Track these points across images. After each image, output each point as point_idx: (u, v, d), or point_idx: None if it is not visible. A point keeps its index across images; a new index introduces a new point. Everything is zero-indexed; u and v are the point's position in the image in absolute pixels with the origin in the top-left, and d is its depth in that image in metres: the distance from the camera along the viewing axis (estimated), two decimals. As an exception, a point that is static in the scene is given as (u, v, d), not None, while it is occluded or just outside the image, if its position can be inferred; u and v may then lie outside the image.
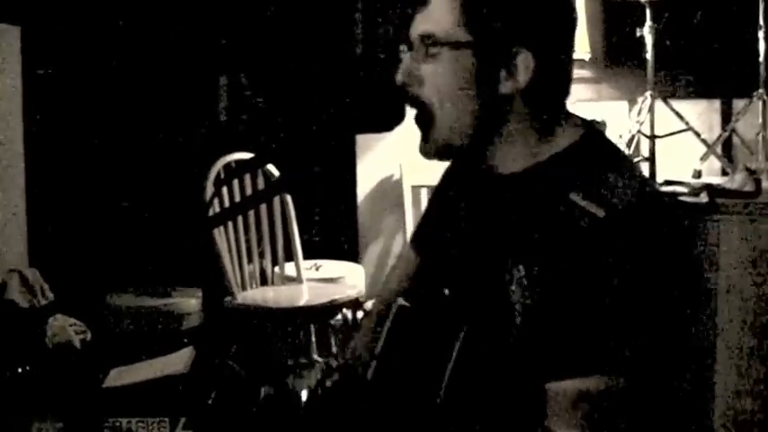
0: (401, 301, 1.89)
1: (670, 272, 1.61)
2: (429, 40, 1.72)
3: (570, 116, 1.81)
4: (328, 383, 2.03)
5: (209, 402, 1.96)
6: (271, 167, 4.59)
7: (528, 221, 1.71)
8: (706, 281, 1.68)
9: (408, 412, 1.73)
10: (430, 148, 1.81)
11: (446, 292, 1.85)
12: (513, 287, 1.67)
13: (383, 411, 1.78)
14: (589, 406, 1.56)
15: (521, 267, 1.67)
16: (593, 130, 1.80)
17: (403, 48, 1.80)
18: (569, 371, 1.58)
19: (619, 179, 1.66)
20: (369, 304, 4.78)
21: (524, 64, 1.70)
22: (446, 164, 2.13)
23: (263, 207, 4.72)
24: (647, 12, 4.75)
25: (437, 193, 2.15)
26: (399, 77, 1.77)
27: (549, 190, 1.69)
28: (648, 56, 4.80)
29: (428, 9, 1.74)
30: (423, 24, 1.74)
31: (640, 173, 1.77)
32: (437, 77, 1.73)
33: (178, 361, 2.92)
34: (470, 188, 1.94)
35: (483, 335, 1.70)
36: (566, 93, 1.81)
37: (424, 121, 1.78)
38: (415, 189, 5.37)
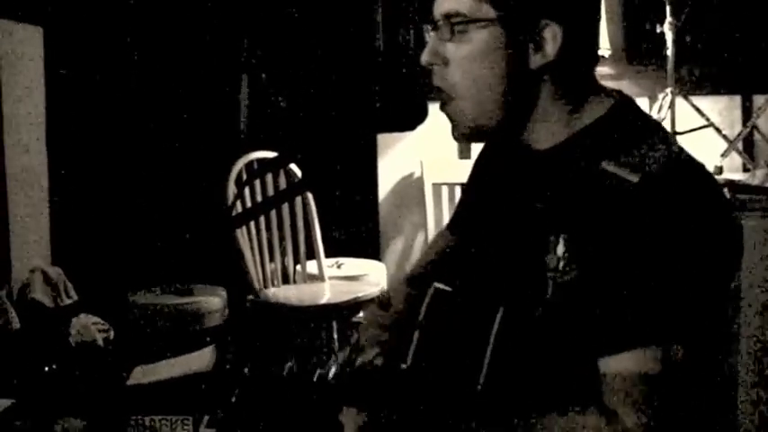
0: (437, 284, 1.88)
1: (708, 233, 1.59)
2: (454, 18, 1.70)
3: (601, 88, 1.80)
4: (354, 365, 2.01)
5: (233, 400, 1.96)
6: (293, 166, 4.60)
7: (563, 195, 1.70)
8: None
9: (447, 400, 1.73)
10: (460, 132, 1.79)
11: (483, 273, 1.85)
12: (554, 262, 1.67)
13: (422, 398, 1.77)
14: (649, 385, 1.54)
15: (560, 241, 1.66)
16: (624, 100, 1.79)
17: (427, 28, 1.79)
18: (617, 344, 1.56)
19: (651, 146, 1.64)
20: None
21: (552, 36, 1.68)
22: (468, 165, 2.13)
23: (285, 205, 4.73)
24: (667, 8, 4.75)
25: (473, 174, 2.13)
26: (424, 58, 1.75)
27: (581, 161, 1.68)
28: (669, 52, 4.81)
29: None
30: (446, 3, 1.72)
31: (673, 140, 1.75)
32: (464, 57, 1.71)
33: (201, 359, 2.94)
34: (506, 166, 1.92)
35: (523, 314, 1.69)
36: (594, 63, 1.80)
37: (450, 106, 1.77)
38: (436, 186, 5.37)
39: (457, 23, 1.71)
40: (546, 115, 1.75)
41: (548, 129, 1.76)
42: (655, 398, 1.55)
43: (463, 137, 1.82)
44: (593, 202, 1.63)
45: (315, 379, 1.75)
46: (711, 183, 1.69)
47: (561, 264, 1.66)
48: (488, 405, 1.68)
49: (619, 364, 1.57)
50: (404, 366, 1.86)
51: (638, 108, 1.79)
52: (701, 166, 1.68)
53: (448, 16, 1.72)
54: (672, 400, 1.56)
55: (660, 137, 1.70)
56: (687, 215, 1.57)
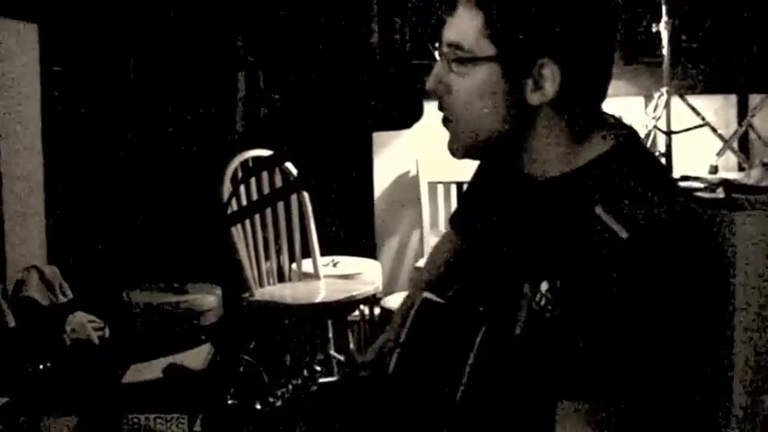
0: (426, 294, 1.88)
1: (692, 302, 1.57)
2: (455, 50, 1.71)
3: (609, 121, 1.79)
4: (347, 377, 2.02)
5: (227, 398, 1.97)
6: (288, 165, 4.60)
7: (553, 232, 1.70)
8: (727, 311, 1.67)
9: (427, 408, 1.73)
10: (456, 149, 1.79)
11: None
12: (537, 297, 1.66)
13: (403, 405, 1.78)
14: (598, 424, 1.54)
15: (545, 278, 1.66)
16: (631, 137, 1.77)
17: (434, 48, 1.79)
18: (571, 391, 1.56)
19: (648, 194, 1.62)
20: (388, 299, 4.79)
21: (551, 75, 1.67)
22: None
23: (281, 203, 4.73)
24: (663, 7, 4.75)
25: (477, 175, 2.14)
26: (429, 85, 1.76)
27: (575, 200, 1.67)
28: (664, 51, 4.81)
29: (455, 17, 1.73)
30: (450, 32, 1.73)
31: (675, 186, 1.73)
32: (464, 89, 1.72)
33: (196, 357, 2.94)
34: (504, 190, 1.92)
35: (503, 337, 1.69)
36: (601, 97, 1.78)
37: (451, 125, 1.77)
38: (432, 185, 5.37)
39: (455, 59, 1.72)
40: (546, 148, 1.75)
41: (548, 161, 1.75)
42: None
43: (458, 154, 1.81)
44: (581, 248, 1.62)
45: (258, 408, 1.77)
46: (703, 244, 1.67)
47: (543, 301, 1.66)
48: (465, 419, 1.69)
49: (574, 409, 1.56)
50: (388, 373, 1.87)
51: (643, 148, 1.78)
52: (694, 222, 1.67)
53: (450, 45, 1.72)
54: None
55: (660, 182, 1.69)
56: (671, 282, 1.55)
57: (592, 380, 1.55)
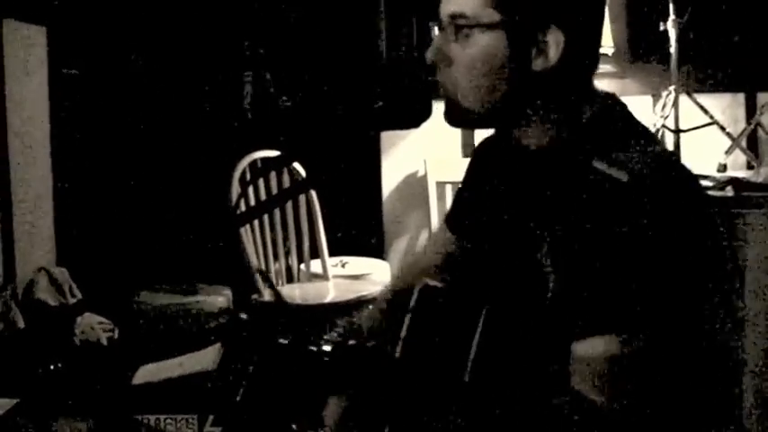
0: (426, 280, 1.89)
1: (690, 232, 1.61)
2: (458, 20, 1.72)
3: (594, 89, 1.82)
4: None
5: (237, 399, 1.97)
6: (297, 165, 4.60)
7: (555, 193, 1.72)
8: (732, 252, 1.67)
9: (435, 392, 1.74)
10: (455, 119, 1.81)
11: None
12: (544, 258, 1.68)
13: (410, 390, 1.78)
14: (616, 366, 1.56)
15: (550, 238, 1.68)
16: (614, 102, 1.81)
17: (433, 25, 1.80)
18: (588, 329, 1.58)
19: (638, 146, 1.68)
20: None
21: (555, 41, 1.70)
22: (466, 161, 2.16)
23: (289, 204, 4.73)
24: (671, 5, 4.74)
25: (469, 172, 2.16)
26: (429, 56, 1.77)
27: (573, 160, 1.71)
28: (672, 50, 4.79)
29: None
30: (452, 4, 1.74)
31: (659, 141, 1.79)
32: (467, 58, 1.73)
33: (206, 358, 2.94)
34: (501, 165, 1.95)
35: (510, 309, 1.71)
36: (594, 67, 1.82)
37: (449, 96, 1.79)
38: (440, 185, 5.37)
39: (460, 26, 1.72)
40: (543, 116, 1.78)
41: (544, 129, 1.79)
42: (618, 379, 1.57)
43: (457, 124, 1.84)
44: (585, 198, 1.65)
45: (309, 351, 1.77)
46: (694, 183, 1.73)
47: (552, 258, 1.68)
48: (474, 398, 1.70)
49: (589, 351, 1.59)
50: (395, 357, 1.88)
51: (627, 110, 1.82)
52: (683, 167, 1.71)
53: (453, 17, 1.74)
54: (640, 383, 1.58)
55: (646, 139, 1.74)
56: (671, 213, 1.59)
57: (607, 316, 1.58)
